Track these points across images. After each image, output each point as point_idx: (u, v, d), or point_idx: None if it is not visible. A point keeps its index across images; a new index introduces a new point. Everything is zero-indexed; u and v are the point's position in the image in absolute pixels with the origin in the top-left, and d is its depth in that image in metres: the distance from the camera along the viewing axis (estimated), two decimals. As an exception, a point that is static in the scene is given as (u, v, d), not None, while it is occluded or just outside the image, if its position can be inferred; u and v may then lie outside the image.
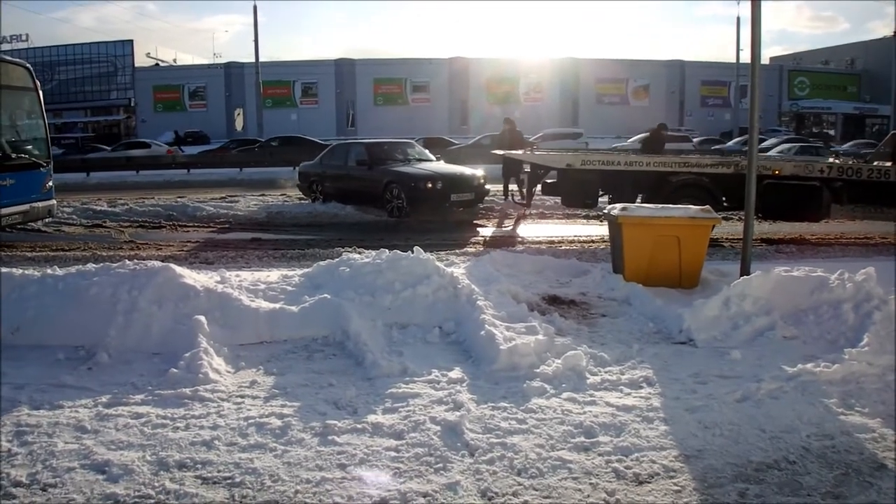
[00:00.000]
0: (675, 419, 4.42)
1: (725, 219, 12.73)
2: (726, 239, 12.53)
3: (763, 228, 13.79)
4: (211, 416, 4.42)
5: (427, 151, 18.44)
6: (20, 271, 6.74)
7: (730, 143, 47.28)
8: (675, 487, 3.65)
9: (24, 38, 71.59)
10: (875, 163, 14.32)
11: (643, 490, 3.61)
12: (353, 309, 6.18)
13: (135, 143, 43.95)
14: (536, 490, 3.59)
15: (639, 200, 12.64)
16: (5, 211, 11.59)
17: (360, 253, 7.95)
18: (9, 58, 13.73)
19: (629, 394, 4.87)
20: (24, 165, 12.33)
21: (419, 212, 15.15)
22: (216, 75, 71.69)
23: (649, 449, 4.02)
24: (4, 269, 6.70)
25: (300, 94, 71.93)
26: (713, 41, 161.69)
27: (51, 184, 13.04)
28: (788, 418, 4.45)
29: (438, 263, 7.09)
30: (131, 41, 73.14)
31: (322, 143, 39.05)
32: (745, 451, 4.03)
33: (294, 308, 6.27)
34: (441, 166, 16.92)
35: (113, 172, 31.80)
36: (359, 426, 4.25)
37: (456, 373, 5.20)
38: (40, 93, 13.08)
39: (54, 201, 13.40)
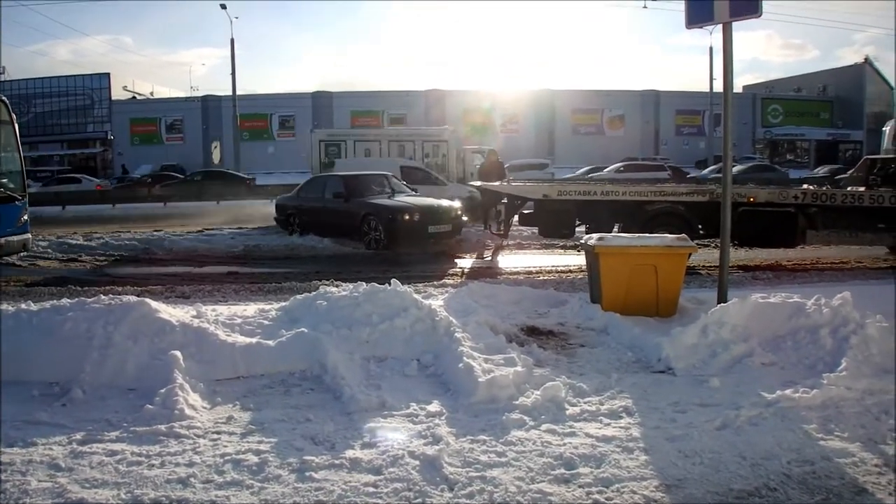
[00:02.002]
0: (656, 449, 4.41)
1: (702, 246, 12.85)
2: (703, 266, 12.60)
3: (739, 255, 13.90)
4: (187, 453, 4.35)
5: (404, 184, 18.47)
6: (-7, 307, 6.65)
7: (704, 171, 47.72)
8: (656, 518, 3.63)
9: (-1, 70, 71.30)
10: (849, 188, 14.52)
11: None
12: (331, 342, 6.14)
13: (66, 178, 43.95)
14: (517, 523, 3.55)
15: (615, 230, 12.73)
16: None
17: (337, 286, 7.93)
18: None
19: (609, 424, 4.85)
20: None
21: (397, 244, 15.14)
22: (193, 108, 71.65)
23: (630, 479, 4.00)
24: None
25: (277, 127, 72.00)
26: (687, 71, 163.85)
27: (26, 217, 12.92)
28: (768, 445, 4.46)
29: (416, 296, 7.07)
30: (108, 74, 73.02)
31: (245, 176, 40.05)
32: (726, 479, 4.02)
33: (271, 342, 6.22)
34: (418, 198, 16.93)
35: (90, 206, 31.67)
36: (337, 462, 4.19)
37: (434, 406, 5.16)
38: (16, 126, 12.99)
39: (30, 235, 13.28)
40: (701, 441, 4.52)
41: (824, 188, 14.89)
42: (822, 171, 48.52)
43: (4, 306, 6.78)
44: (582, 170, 44.64)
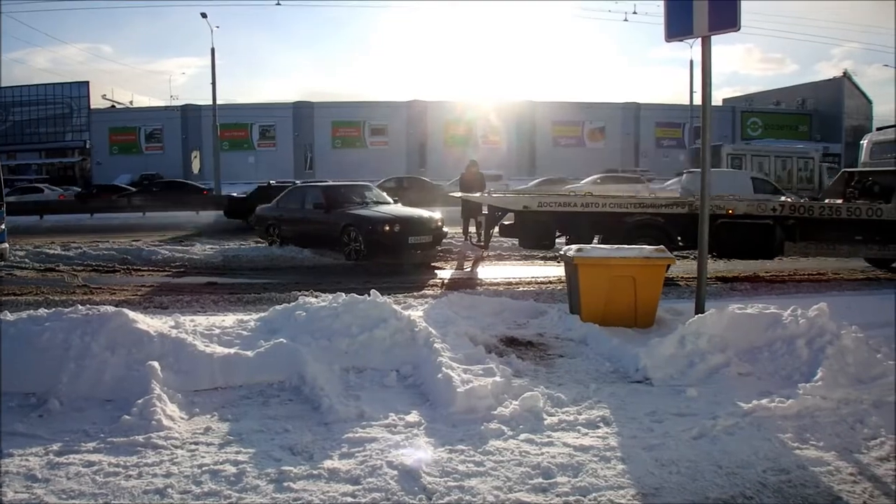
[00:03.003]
0: (633, 458, 4.44)
1: (681, 258, 12.94)
2: (682, 278, 12.69)
3: (718, 267, 14.02)
4: (164, 464, 4.33)
5: (385, 194, 18.49)
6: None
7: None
8: (633, 527, 3.65)
9: (-24, 78, 70.86)
10: (826, 200, 14.68)
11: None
12: (310, 353, 6.12)
13: (29, 188, 43.93)
14: (494, 533, 3.56)
15: (595, 241, 12.79)
16: None
17: (316, 297, 7.91)
18: None
19: (586, 434, 4.87)
20: None
21: (377, 255, 15.14)
22: (173, 117, 71.34)
23: (607, 488, 4.02)
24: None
25: (258, 137, 71.78)
26: (667, 84, 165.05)
27: (3, 227, 12.84)
28: (745, 454, 4.50)
29: (395, 306, 7.07)
30: (87, 83, 72.72)
31: (202, 186, 40.53)
32: (703, 488, 4.05)
33: (249, 353, 6.20)
34: (399, 209, 16.94)
35: (69, 215, 31.51)
36: (315, 472, 4.19)
37: (413, 416, 5.17)
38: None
39: (6, 245, 13.19)
40: (677, 450, 4.55)
41: (802, 200, 15.02)
42: None
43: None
44: (534, 182, 44.70)
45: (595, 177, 44.79)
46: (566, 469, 4.27)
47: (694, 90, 55.84)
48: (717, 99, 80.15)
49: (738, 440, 4.72)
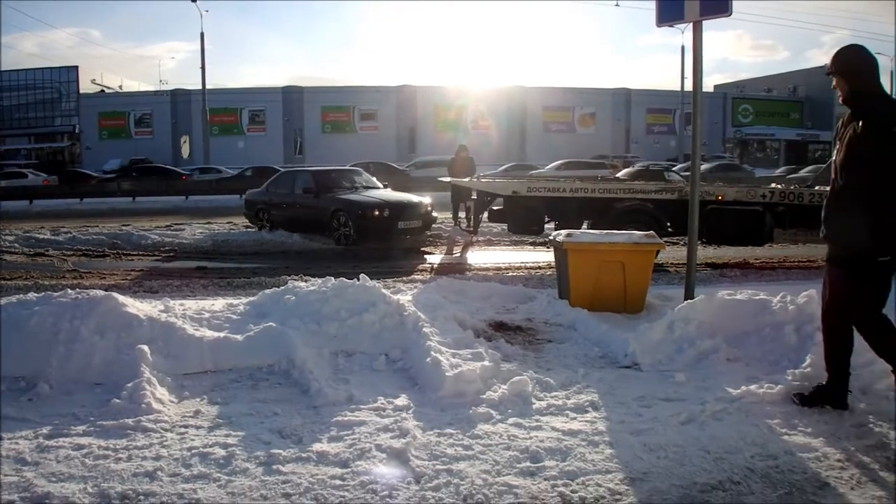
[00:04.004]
0: (621, 442, 4.44)
1: (670, 244, 12.97)
2: (671, 264, 12.72)
3: (707, 253, 14.06)
4: (154, 447, 4.33)
5: (374, 179, 18.46)
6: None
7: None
8: (621, 511, 3.67)
9: (-37, 63, 70.27)
10: (816, 187, 14.71)
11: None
12: (299, 337, 6.12)
13: (13, 173, 44.14)
14: (483, 516, 3.57)
15: (585, 226, 12.81)
16: None
17: (306, 281, 7.92)
18: None
19: (575, 418, 4.88)
20: None
21: (366, 239, 15.15)
22: (162, 102, 71.06)
23: (595, 472, 4.03)
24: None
25: (247, 122, 71.62)
26: (658, 70, 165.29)
27: None
28: (732, 439, 4.50)
29: (385, 291, 7.06)
30: (76, 67, 72.21)
31: (182, 171, 42.42)
32: (690, 473, 4.06)
33: (239, 337, 6.20)
34: (388, 194, 16.93)
35: (58, 200, 31.43)
36: (304, 455, 4.19)
37: (402, 400, 5.17)
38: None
39: (-5, 230, 13.14)
40: (666, 435, 4.56)
41: (792, 187, 15.06)
42: (780, 171, 49.50)
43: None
44: (502, 167, 44.76)
45: (559, 162, 45.27)
46: (554, 453, 4.28)
47: (685, 76, 56.21)
48: (707, 85, 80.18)
49: (726, 425, 4.73)
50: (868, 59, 4.78)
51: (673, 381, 5.64)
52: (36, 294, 6.64)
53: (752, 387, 5.30)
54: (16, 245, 15.85)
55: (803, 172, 39.19)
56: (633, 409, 5.06)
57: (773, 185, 16.16)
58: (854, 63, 4.77)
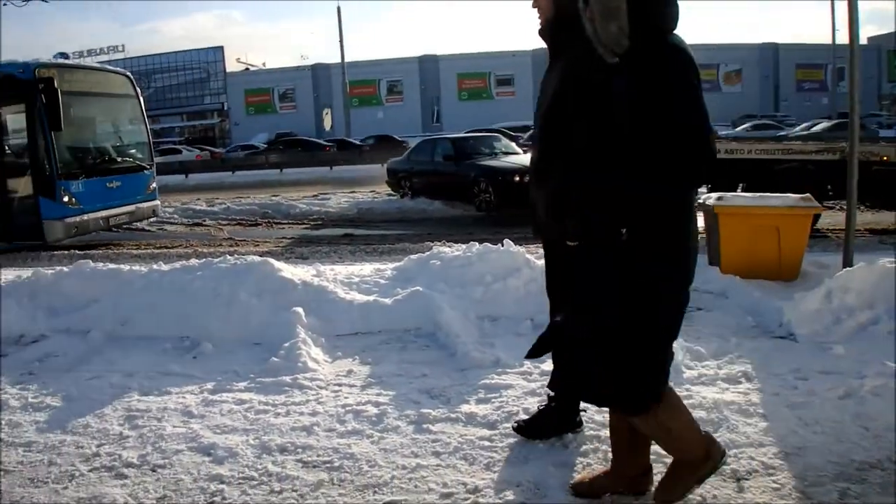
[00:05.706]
0: (775, 415, 4.25)
1: (829, 208, 12.31)
2: (830, 230, 12.09)
3: (866, 218, 13.26)
4: (310, 403, 4.53)
5: (514, 144, 18.37)
6: (127, 267, 7.05)
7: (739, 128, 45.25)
8: (775, 485, 3.51)
9: (120, 48, 74.45)
10: None
11: (741, 487, 3.52)
12: (445, 301, 6.20)
13: (169, 150, 45.94)
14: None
15: (739, 190, 12.32)
16: (114, 211, 12.18)
17: (449, 247, 7.99)
18: (111, 68, 14.38)
19: (727, 389, 4.71)
20: (129, 168, 12.96)
21: (507, 205, 15.07)
22: (304, 77, 73.15)
23: (747, 445, 3.88)
24: (112, 266, 7.03)
25: (386, 93, 72.76)
26: (808, 22, 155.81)
27: (154, 185, 13.63)
28: (892, 417, 4.25)
29: (529, 256, 7.02)
30: (221, 47, 75.38)
31: (324, 143, 43.38)
32: (847, 450, 3.84)
33: (387, 300, 6.35)
34: (528, 159, 16.81)
35: (212, 173, 33.00)
36: (452, 415, 4.27)
37: (548, 365, 5.16)
38: (141, 100, 13.65)
39: (158, 202, 14.02)
40: (822, 409, 4.33)
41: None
42: None
43: (137, 267, 7.18)
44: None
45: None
46: (706, 424, 4.12)
47: (837, 28, 52.49)
48: (861, 37, 75.00)
49: (886, 402, 4.43)
50: None
51: (830, 354, 5.35)
52: (197, 260, 7.03)
53: (916, 362, 4.98)
54: (175, 216, 16.83)
55: None
56: (789, 382, 4.83)
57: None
58: None
